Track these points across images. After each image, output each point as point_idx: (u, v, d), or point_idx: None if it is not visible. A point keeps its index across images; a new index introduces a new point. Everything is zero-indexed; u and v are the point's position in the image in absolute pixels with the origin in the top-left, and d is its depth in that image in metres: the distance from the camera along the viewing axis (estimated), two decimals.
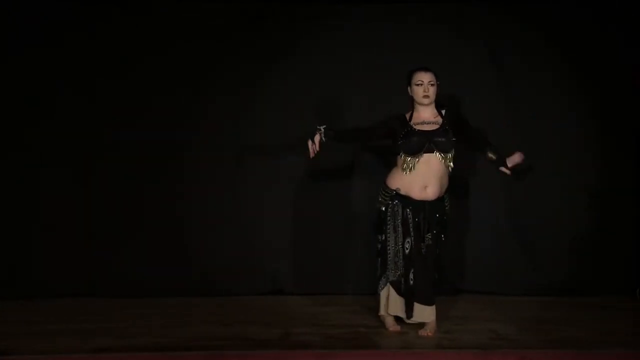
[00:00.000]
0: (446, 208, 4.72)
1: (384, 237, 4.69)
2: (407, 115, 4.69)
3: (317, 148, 4.64)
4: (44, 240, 5.85)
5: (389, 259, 4.65)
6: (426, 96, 4.61)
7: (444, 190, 4.69)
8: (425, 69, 4.66)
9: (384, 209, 4.68)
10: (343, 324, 4.69)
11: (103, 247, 5.89)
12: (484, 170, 5.95)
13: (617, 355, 4.21)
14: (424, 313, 4.60)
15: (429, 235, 4.62)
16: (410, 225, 4.60)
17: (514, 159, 4.65)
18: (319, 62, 6.01)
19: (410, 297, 4.61)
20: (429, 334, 4.56)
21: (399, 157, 4.64)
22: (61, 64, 5.88)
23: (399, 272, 4.63)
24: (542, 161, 5.92)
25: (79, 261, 5.86)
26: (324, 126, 4.66)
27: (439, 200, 4.66)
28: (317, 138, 4.63)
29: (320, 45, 6.01)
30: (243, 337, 4.57)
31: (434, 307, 4.61)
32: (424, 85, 4.61)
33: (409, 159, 4.57)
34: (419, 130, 4.61)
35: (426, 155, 4.57)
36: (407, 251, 4.61)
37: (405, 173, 4.58)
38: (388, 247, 4.67)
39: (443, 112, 4.69)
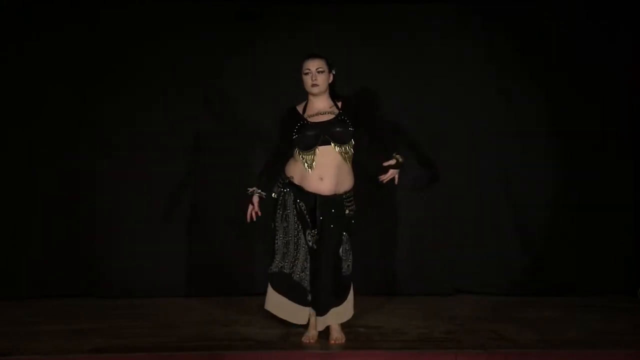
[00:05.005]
0: (348, 206, 4.39)
1: (273, 226, 4.44)
2: (301, 107, 4.44)
3: (257, 209, 4.38)
4: (40, 241, 5.83)
5: (276, 248, 4.40)
6: (315, 85, 4.33)
7: (345, 187, 4.39)
8: (313, 56, 4.37)
9: (275, 196, 4.43)
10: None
11: (100, 247, 5.88)
12: (481, 170, 5.96)
13: (617, 356, 4.20)
14: (319, 321, 4.38)
15: (314, 232, 4.33)
16: (307, 217, 4.34)
17: (391, 170, 4.35)
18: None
19: (299, 295, 4.38)
20: (334, 341, 4.35)
21: (295, 150, 4.40)
22: (47, 62, 5.84)
23: (283, 265, 4.38)
24: (541, 161, 5.93)
25: (75, 262, 5.85)
26: (254, 188, 4.39)
27: (337, 197, 4.35)
28: (255, 200, 4.38)
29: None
30: (243, 337, 4.56)
31: (327, 315, 4.34)
32: (311, 74, 4.33)
33: (304, 154, 4.33)
34: (313, 122, 4.35)
35: (322, 148, 4.32)
36: (309, 244, 4.34)
37: (307, 170, 4.31)
38: (276, 237, 4.41)
39: (339, 103, 4.42)
